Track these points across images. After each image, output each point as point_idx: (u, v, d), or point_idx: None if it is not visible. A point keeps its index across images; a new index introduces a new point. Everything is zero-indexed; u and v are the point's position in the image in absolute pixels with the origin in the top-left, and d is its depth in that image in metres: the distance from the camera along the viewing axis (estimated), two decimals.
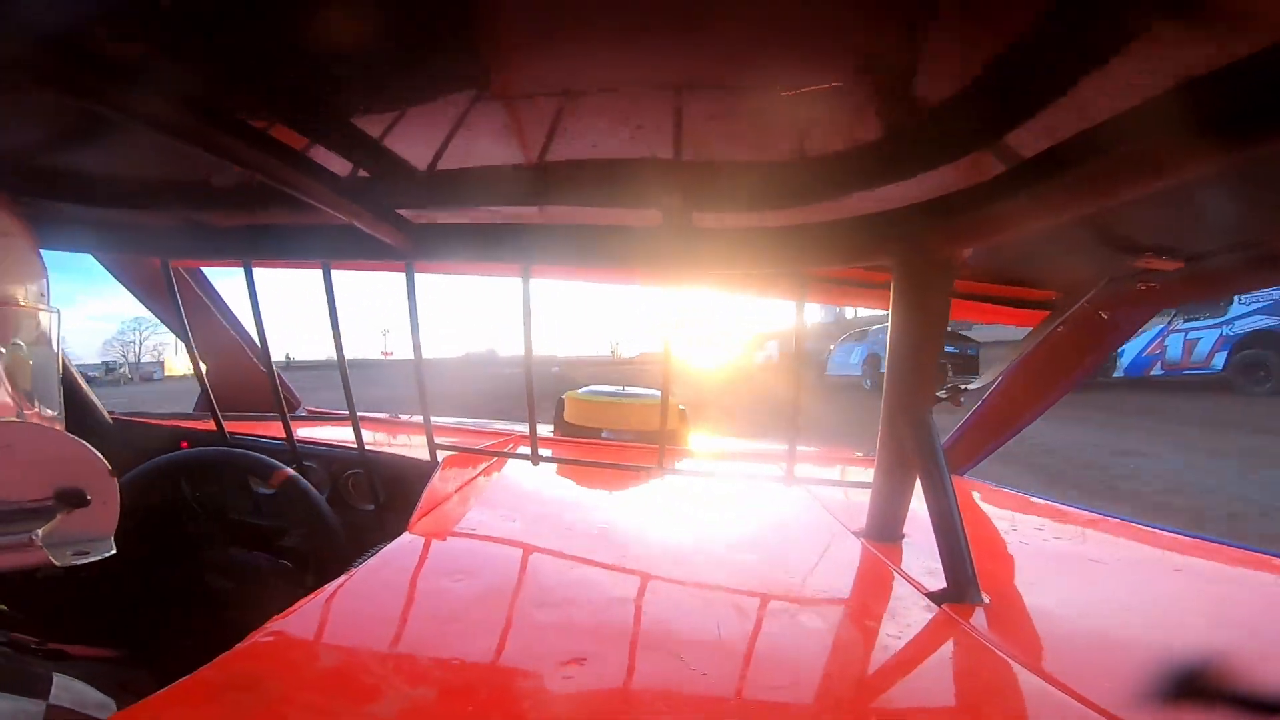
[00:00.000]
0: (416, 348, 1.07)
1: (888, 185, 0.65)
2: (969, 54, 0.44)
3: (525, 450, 1.13)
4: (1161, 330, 9.75)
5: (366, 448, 1.19)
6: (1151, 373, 9.94)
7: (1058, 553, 0.97)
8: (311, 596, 0.64)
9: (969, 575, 0.69)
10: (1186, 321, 9.53)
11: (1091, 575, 0.87)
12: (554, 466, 1.29)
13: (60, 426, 0.64)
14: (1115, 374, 10.25)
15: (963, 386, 0.87)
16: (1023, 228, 0.60)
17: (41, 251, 0.66)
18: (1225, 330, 8.97)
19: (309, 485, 1.13)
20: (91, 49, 0.44)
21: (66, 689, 0.53)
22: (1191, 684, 0.54)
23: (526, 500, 1.11)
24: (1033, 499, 1.24)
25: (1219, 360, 9.01)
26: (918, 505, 0.80)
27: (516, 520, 0.96)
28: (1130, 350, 10.00)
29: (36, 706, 0.49)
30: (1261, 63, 0.37)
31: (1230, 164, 0.43)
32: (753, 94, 0.51)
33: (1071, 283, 0.95)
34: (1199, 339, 9.27)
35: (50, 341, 0.64)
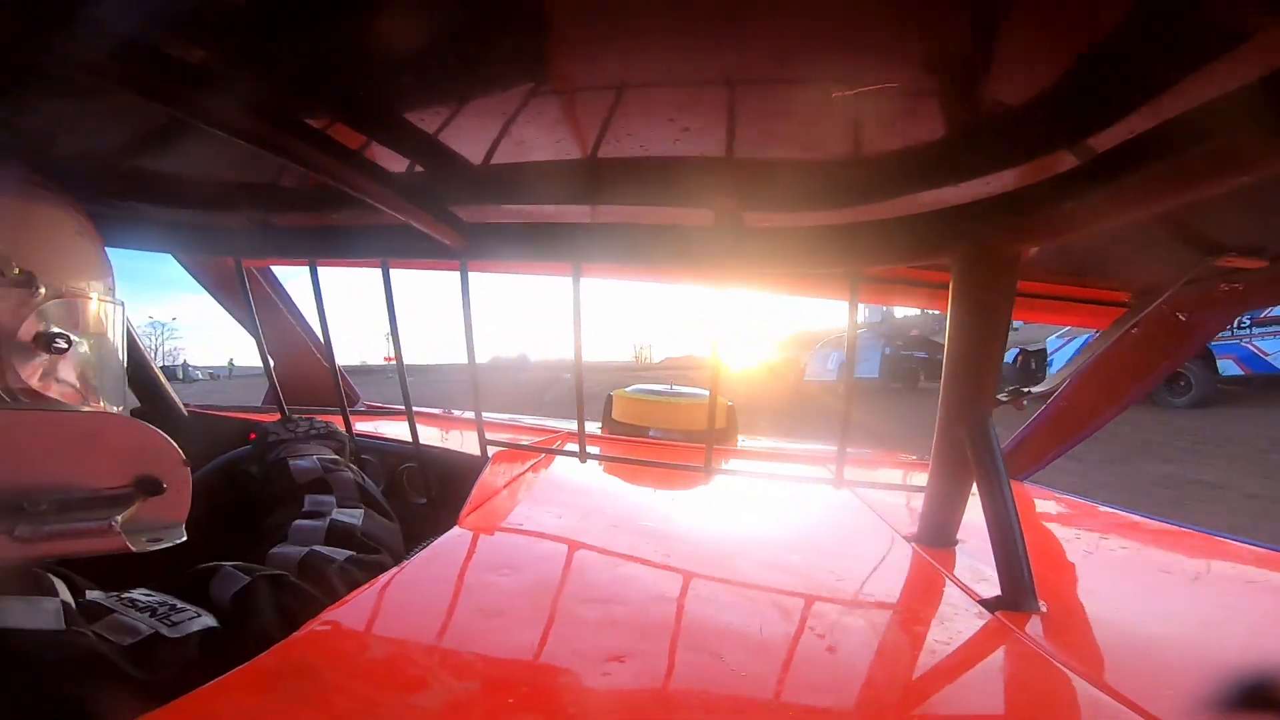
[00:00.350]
0: (470, 347, 1.10)
1: (952, 186, 0.63)
2: (1048, 54, 0.42)
3: (573, 447, 1.14)
4: (1085, 341, 8.80)
5: (421, 442, 1.22)
6: None
7: (1123, 562, 0.92)
8: (365, 588, 0.66)
9: (1025, 582, 0.67)
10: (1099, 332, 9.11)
11: (1159, 586, 0.83)
12: (602, 464, 1.30)
13: (124, 409, 0.67)
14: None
15: (1026, 390, 0.83)
16: (1095, 226, 0.57)
17: (107, 250, 0.70)
18: None
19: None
20: (167, 54, 0.46)
21: (62, 586, 0.56)
22: (1263, 700, 0.50)
23: (573, 497, 1.12)
24: (1099, 507, 1.18)
25: None
26: (972, 512, 0.78)
27: (563, 516, 0.97)
28: (1059, 360, 9.39)
29: (52, 603, 0.52)
30: None
31: None
32: (810, 91, 0.50)
33: (1147, 283, 0.90)
34: None
35: (116, 335, 0.68)
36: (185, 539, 0.63)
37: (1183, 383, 7.95)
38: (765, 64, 0.47)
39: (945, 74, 0.46)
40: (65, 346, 0.59)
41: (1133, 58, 0.40)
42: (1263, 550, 0.93)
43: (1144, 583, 0.84)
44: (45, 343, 0.58)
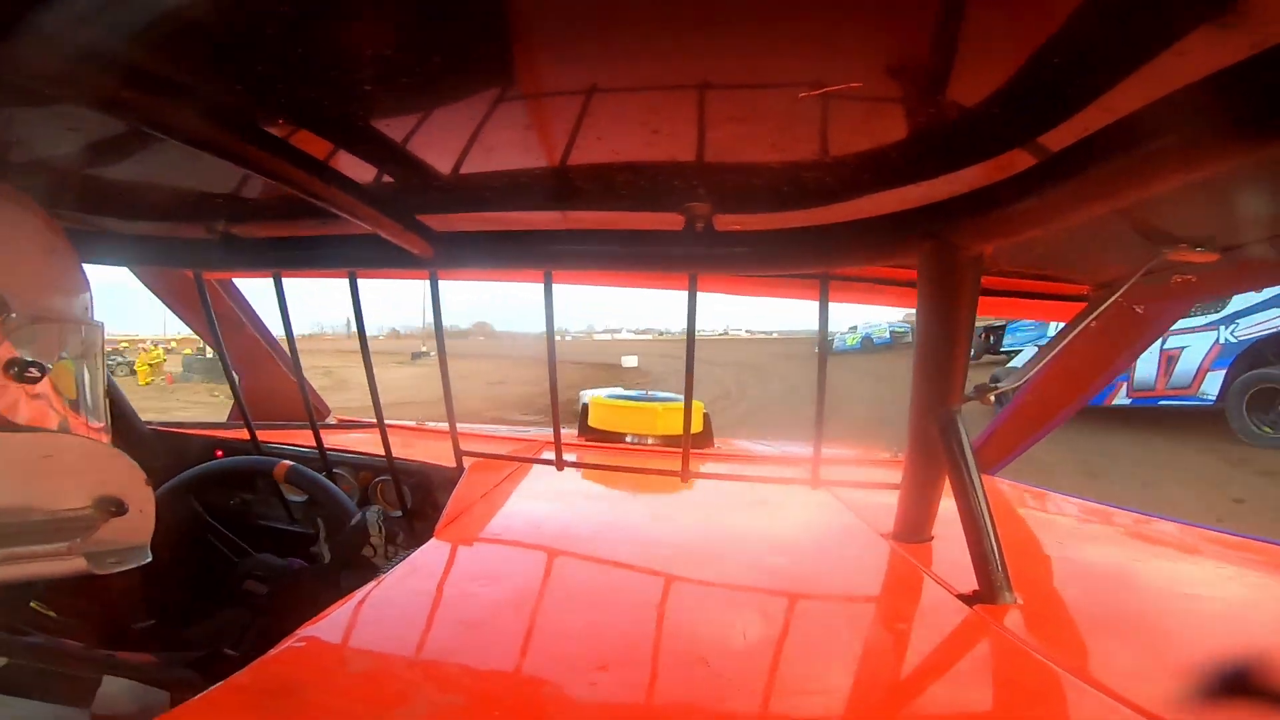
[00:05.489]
0: (442, 357, 1.09)
1: (916, 185, 0.64)
2: (1003, 56, 0.43)
3: (550, 455, 1.14)
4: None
5: (394, 455, 1.20)
6: (1114, 401, 6.35)
7: (1094, 552, 0.95)
8: (342, 602, 0.65)
9: (1000, 576, 0.68)
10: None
11: (1129, 575, 0.85)
12: (579, 471, 1.29)
13: (106, 438, 0.65)
14: None
15: (993, 385, 0.85)
16: (1053, 223, 0.59)
17: (83, 266, 0.67)
18: (1223, 334, 5.65)
19: (306, 470, 1.16)
20: (126, 63, 0.45)
21: (112, 695, 0.54)
22: (1237, 684, 0.52)
23: (552, 505, 1.11)
24: (1068, 498, 1.22)
25: (1212, 384, 5.60)
26: (949, 506, 0.79)
27: (542, 525, 0.97)
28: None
29: (80, 715, 0.50)
30: None
31: (1268, 155, 0.41)
32: (777, 94, 0.51)
33: (1105, 276, 0.93)
34: (1183, 349, 5.93)
35: (95, 355, 0.65)
36: (150, 560, 0.62)
37: None
38: (732, 67, 0.48)
39: (906, 75, 0.47)
40: (38, 375, 0.56)
41: (1081, 57, 0.41)
42: (1234, 537, 0.96)
43: (1114, 572, 0.86)
44: (18, 371, 0.55)
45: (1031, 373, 0.86)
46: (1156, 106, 0.44)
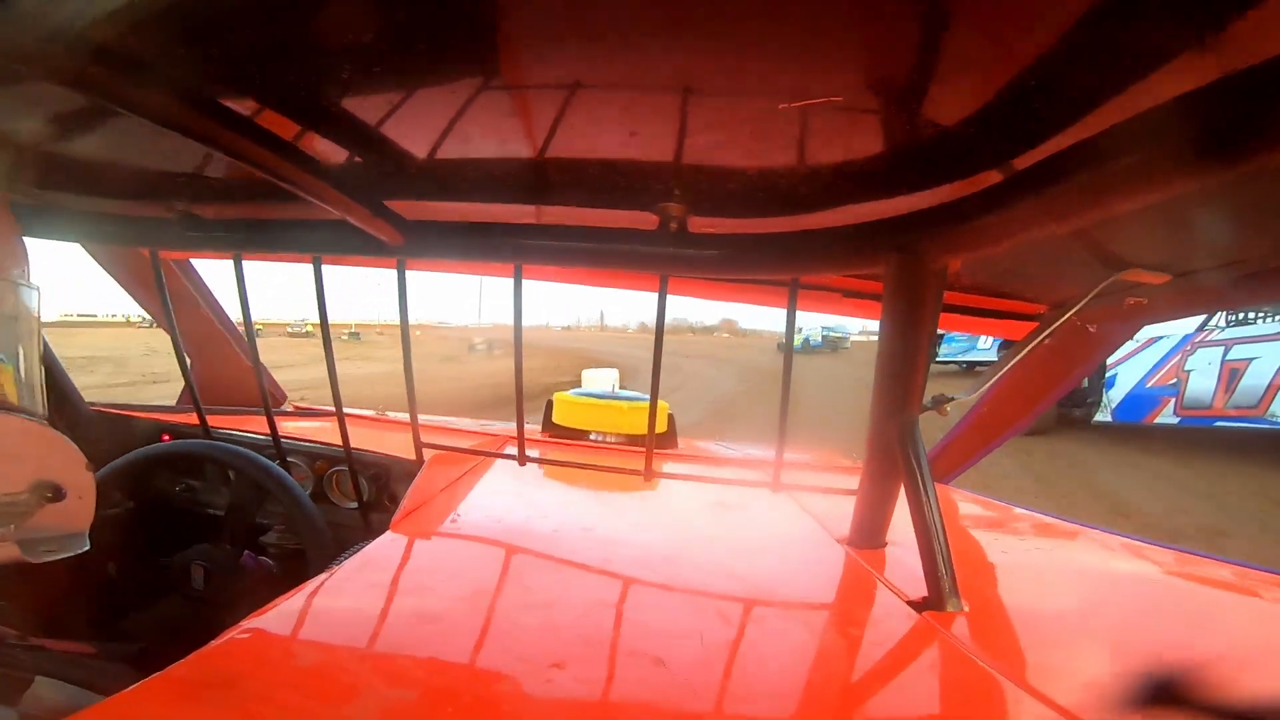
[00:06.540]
0: (406, 346, 1.07)
1: (887, 199, 0.65)
2: (983, 78, 0.44)
3: (512, 450, 1.13)
4: (1180, 344, 5.52)
5: (352, 445, 1.18)
6: (1158, 418, 5.66)
7: (1039, 562, 0.98)
8: (290, 594, 0.63)
9: (949, 583, 0.70)
10: (1229, 327, 5.28)
11: (1071, 585, 0.88)
12: (541, 468, 1.28)
13: (42, 407, 0.62)
14: (1100, 417, 6.24)
15: (950, 397, 0.88)
16: (1016, 239, 0.60)
17: (23, 236, 0.65)
18: None
19: (295, 483, 1.12)
20: (92, 39, 0.43)
21: (41, 697, 0.52)
22: (1168, 692, 0.54)
23: (512, 501, 1.10)
24: (1016, 509, 1.25)
25: None
26: (904, 513, 0.81)
27: (501, 520, 0.96)
28: (1126, 378, 5.83)
29: (8, 714, 0.48)
30: (1249, 80, 0.37)
31: (1220, 180, 0.43)
32: (757, 102, 0.51)
33: (1060, 296, 0.96)
34: (1250, 360, 4.93)
35: (32, 319, 0.62)
36: (88, 548, 0.60)
37: None
38: (714, 73, 0.48)
39: (884, 92, 0.48)
40: None
41: (1059, 82, 0.43)
42: (1169, 550, 1.01)
43: (1058, 581, 0.89)
44: None
45: (986, 386, 0.88)
46: (1120, 128, 0.45)
